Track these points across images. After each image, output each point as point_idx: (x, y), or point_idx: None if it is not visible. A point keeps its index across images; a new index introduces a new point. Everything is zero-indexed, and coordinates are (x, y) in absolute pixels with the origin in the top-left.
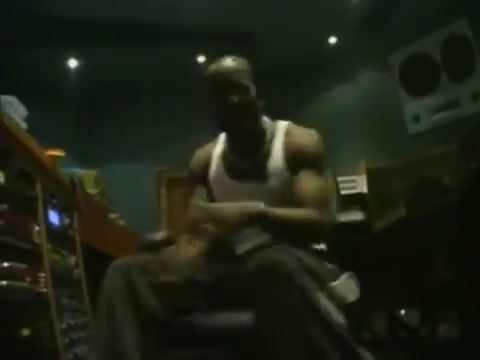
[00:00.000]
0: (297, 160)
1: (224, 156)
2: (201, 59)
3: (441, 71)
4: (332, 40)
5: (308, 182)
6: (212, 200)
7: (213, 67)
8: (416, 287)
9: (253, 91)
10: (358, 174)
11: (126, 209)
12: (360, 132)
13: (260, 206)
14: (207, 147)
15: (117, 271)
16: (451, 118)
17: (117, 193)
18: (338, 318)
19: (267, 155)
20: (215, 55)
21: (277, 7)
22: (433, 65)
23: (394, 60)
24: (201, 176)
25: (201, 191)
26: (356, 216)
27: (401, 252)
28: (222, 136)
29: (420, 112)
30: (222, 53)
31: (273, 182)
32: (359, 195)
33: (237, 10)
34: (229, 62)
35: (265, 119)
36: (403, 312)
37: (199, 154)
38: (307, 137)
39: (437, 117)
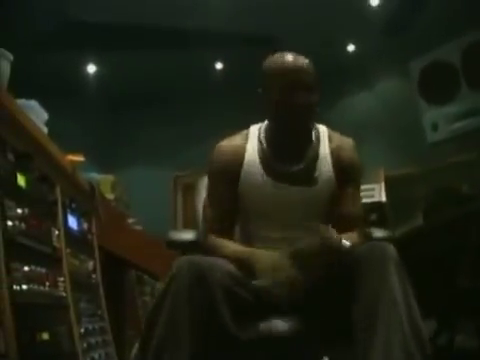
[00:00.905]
0: (345, 173)
1: (263, 155)
2: (219, 65)
3: (461, 79)
4: (351, 47)
5: (356, 202)
6: (240, 202)
7: (280, 60)
8: (434, 296)
9: (317, 94)
10: (376, 182)
11: (142, 214)
12: (379, 140)
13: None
14: (237, 142)
15: (192, 270)
16: (470, 127)
17: (134, 198)
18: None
19: (315, 159)
20: (234, 61)
21: (296, 13)
22: (453, 73)
23: (414, 67)
24: (230, 174)
25: (222, 192)
26: (378, 233)
27: (419, 261)
28: (252, 132)
29: (439, 120)
30: (241, 59)
31: (322, 187)
32: (378, 204)
33: (256, 16)
34: (303, 60)
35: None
36: None
37: (228, 149)
38: (350, 146)
39: (456, 126)
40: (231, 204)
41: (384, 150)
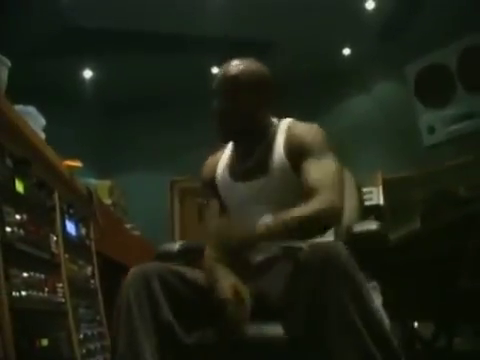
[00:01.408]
0: (298, 151)
1: (230, 160)
2: (216, 70)
3: (457, 82)
4: (348, 50)
5: (310, 170)
6: (225, 208)
7: (220, 70)
8: (432, 299)
9: (247, 97)
10: (374, 185)
11: (140, 219)
12: (375, 143)
13: (258, 227)
14: (216, 155)
15: (138, 279)
16: (466, 129)
17: (131, 203)
18: (385, 317)
19: (268, 150)
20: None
21: (293, 17)
22: (449, 76)
23: (410, 71)
24: (210, 185)
25: (213, 204)
26: (371, 226)
27: (416, 264)
28: (230, 143)
29: (435, 123)
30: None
31: (276, 176)
32: (376, 207)
33: (254, 20)
34: (228, 67)
35: (273, 120)
36: (416, 324)
37: (208, 163)
38: (306, 129)
39: (452, 128)
40: (219, 210)
41: (381, 153)
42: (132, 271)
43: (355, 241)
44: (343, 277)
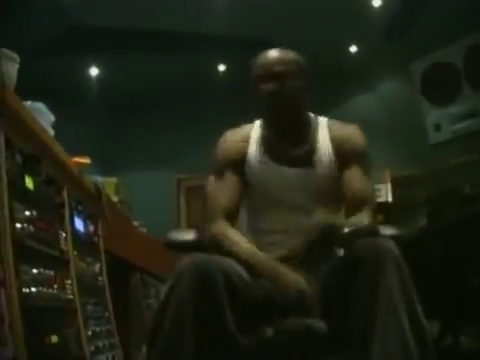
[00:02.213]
0: (346, 153)
1: (265, 141)
2: (222, 68)
3: (463, 80)
4: (353, 48)
5: (359, 181)
6: (247, 187)
7: (257, 59)
8: (438, 297)
9: (296, 82)
10: (382, 182)
11: (146, 217)
12: (381, 141)
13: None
14: (241, 130)
15: (199, 270)
16: (473, 127)
17: (137, 201)
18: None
19: (314, 145)
20: (236, 63)
21: (298, 15)
22: (455, 74)
23: (416, 69)
24: (235, 163)
25: (230, 180)
26: (386, 231)
27: (422, 262)
28: (257, 122)
29: (441, 121)
30: (243, 61)
31: (321, 170)
32: (385, 204)
33: (258, 18)
34: (271, 53)
35: (310, 114)
36: None
37: (232, 137)
38: (353, 130)
39: (458, 126)
40: (238, 189)
41: (387, 151)
42: (191, 262)
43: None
44: (396, 273)
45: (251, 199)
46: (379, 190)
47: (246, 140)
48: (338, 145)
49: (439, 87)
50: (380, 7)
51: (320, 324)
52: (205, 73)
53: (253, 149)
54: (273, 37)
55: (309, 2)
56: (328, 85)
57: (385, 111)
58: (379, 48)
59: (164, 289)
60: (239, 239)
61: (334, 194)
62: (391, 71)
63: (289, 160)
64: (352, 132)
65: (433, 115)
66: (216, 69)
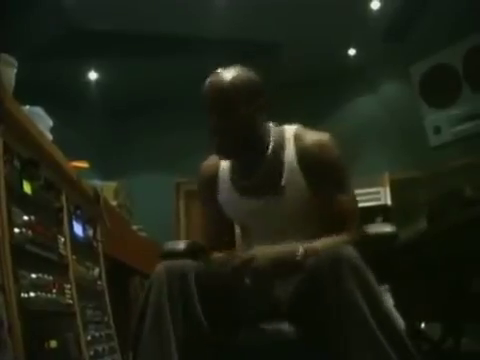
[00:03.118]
0: (317, 174)
1: (232, 172)
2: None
3: (463, 82)
4: (352, 51)
5: (337, 203)
6: (227, 219)
7: (207, 83)
8: (439, 300)
9: (242, 110)
10: (381, 186)
11: (145, 221)
12: (382, 144)
13: (298, 248)
14: (212, 162)
15: (172, 273)
16: (472, 130)
17: (136, 204)
18: (399, 318)
19: (279, 165)
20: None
21: (297, 18)
22: (455, 76)
23: (415, 71)
24: (210, 196)
25: (211, 211)
26: (385, 228)
27: (423, 265)
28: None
29: (441, 124)
30: (242, 65)
31: (290, 194)
32: (383, 207)
33: (257, 22)
34: (217, 79)
35: (270, 126)
36: (423, 325)
37: (205, 173)
38: (321, 145)
39: (458, 129)
40: (223, 219)
41: (386, 154)
42: (164, 266)
43: (369, 242)
44: (353, 277)
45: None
46: (378, 193)
47: (215, 173)
48: (306, 162)
49: (438, 89)
50: (379, 10)
51: (291, 329)
52: (204, 77)
53: (222, 185)
54: (273, 41)
55: (308, 5)
56: (328, 88)
57: (385, 114)
58: (378, 51)
59: (141, 296)
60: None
61: (310, 214)
62: (390, 74)
63: (256, 191)
64: (319, 144)
65: (433, 117)
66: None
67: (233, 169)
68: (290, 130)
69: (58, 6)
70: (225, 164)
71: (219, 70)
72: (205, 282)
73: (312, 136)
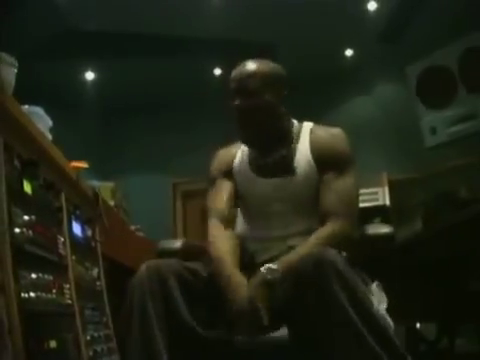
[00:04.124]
0: (324, 159)
1: (249, 156)
2: (218, 71)
3: (458, 83)
4: (349, 52)
5: (332, 189)
6: (238, 196)
7: (235, 70)
8: (435, 300)
9: (267, 95)
10: (380, 186)
11: (142, 221)
12: (377, 144)
13: (269, 274)
14: (231, 148)
15: (152, 276)
16: (468, 130)
17: (133, 205)
18: (387, 318)
19: (293, 152)
20: (232, 67)
21: (294, 19)
22: (450, 77)
23: (411, 72)
24: (225, 175)
25: (227, 185)
26: (383, 228)
27: (418, 265)
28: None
29: (437, 124)
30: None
31: (300, 177)
32: (382, 207)
33: (254, 22)
34: (243, 67)
35: (292, 121)
36: (418, 325)
37: (223, 154)
38: (332, 135)
39: (454, 129)
40: (230, 199)
41: (383, 154)
42: (145, 267)
43: (368, 243)
44: (337, 280)
45: (241, 209)
46: (376, 193)
47: (233, 155)
48: (317, 150)
49: (434, 90)
50: (375, 11)
51: (282, 332)
52: (201, 77)
53: (237, 162)
54: (270, 41)
55: (305, 6)
56: (324, 89)
57: (381, 114)
58: (374, 52)
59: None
60: (225, 255)
61: (317, 200)
62: (386, 74)
63: (268, 171)
64: (332, 136)
65: (429, 118)
66: (212, 73)
67: (250, 153)
68: (307, 125)
69: (55, 6)
70: (241, 151)
71: (249, 60)
72: (188, 280)
73: (326, 129)
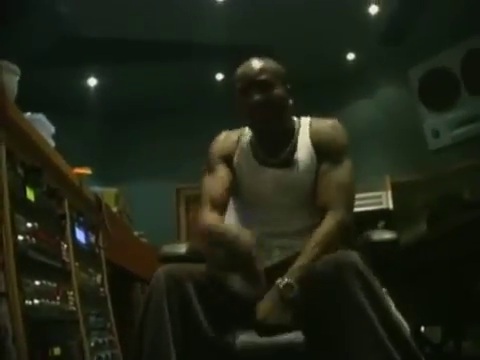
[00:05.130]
0: (324, 149)
1: (252, 144)
2: (220, 77)
3: (461, 85)
4: (351, 55)
5: (331, 179)
6: (235, 184)
7: (238, 70)
8: (439, 303)
9: (279, 89)
10: (383, 189)
11: (145, 226)
12: (380, 147)
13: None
14: (233, 133)
15: (169, 280)
16: (471, 133)
17: (137, 210)
18: (403, 321)
19: (295, 147)
20: (233, 72)
21: (297, 23)
22: (453, 79)
23: (413, 75)
24: (225, 157)
25: (224, 171)
26: (386, 235)
27: (423, 269)
28: (247, 128)
29: (440, 127)
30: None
31: (301, 168)
32: (385, 211)
33: (256, 26)
34: (252, 62)
35: (293, 118)
36: (423, 328)
37: (224, 138)
38: (332, 126)
39: (457, 132)
40: (226, 181)
41: (385, 157)
42: (162, 271)
43: (370, 250)
44: (358, 280)
45: (237, 197)
46: (379, 197)
47: (236, 141)
48: (318, 141)
49: (437, 93)
50: (377, 14)
51: (297, 337)
52: (203, 82)
53: (240, 149)
54: (272, 45)
55: (307, 10)
56: (326, 92)
57: (383, 117)
58: (377, 54)
59: (142, 302)
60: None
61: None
62: (389, 77)
63: (271, 162)
64: (332, 127)
65: (431, 121)
66: (214, 78)
67: (253, 142)
68: (305, 119)
69: (56, 13)
70: (244, 138)
71: (250, 59)
72: (204, 285)
73: (323, 120)
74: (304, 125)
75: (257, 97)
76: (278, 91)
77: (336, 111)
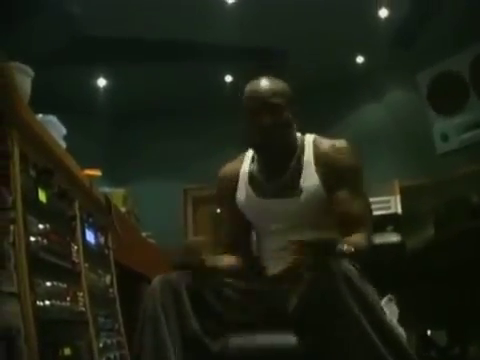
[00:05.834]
0: (332, 176)
1: (251, 175)
2: (229, 78)
3: (470, 89)
4: (360, 59)
5: (349, 202)
6: (244, 221)
7: (248, 88)
8: (447, 307)
9: (288, 112)
10: (391, 193)
11: (153, 227)
12: (388, 151)
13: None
14: (233, 166)
15: (166, 290)
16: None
17: (144, 211)
18: (398, 327)
19: (298, 171)
20: (244, 74)
21: (306, 26)
22: (462, 83)
23: (422, 79)
24: (229, 197)
25: (230, 213)
26: (392, 238)
27: (431, 273)
28: (248, 154)
29: (448, 131)
30: (251, 72)
31: (307, 196)
32: (394, 216)
33: (266, 29)
34: (264, 83)
35: (297, 135)
36: (429, 332)
37: (225, 174)
38: (338, 149)
39: (466, 136)
40: (238, 221)
41: (394, 161)
42: (158, 281)
43: (376, 253)
44: (351, 291)
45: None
46: (388, 201)
47: (236, 176)
48: (323, 165)
49: (446, 97)
50: (387, 18)
51: (288, 340)
52: (212, 83)
53: (241, 185)
54: (281, 48)
55: (316, 13)
56: (335, 95)
57: (392, 121)
58: (386, 58)
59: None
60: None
61: (324, 215)
62: (398, 81)
63: (274, 191)
64: (337, 149)
65: (440, 125)
66: (223, 79)
67: (254, 170)
68: (309, 137)
69: (66, 14)
70: (245, 167)
71: (259, 78)
72: (199, 292)
73: (329, 141)
74: (308, 145)
75: (268, 120)
76: (287, 114)
77: (344, 115)
